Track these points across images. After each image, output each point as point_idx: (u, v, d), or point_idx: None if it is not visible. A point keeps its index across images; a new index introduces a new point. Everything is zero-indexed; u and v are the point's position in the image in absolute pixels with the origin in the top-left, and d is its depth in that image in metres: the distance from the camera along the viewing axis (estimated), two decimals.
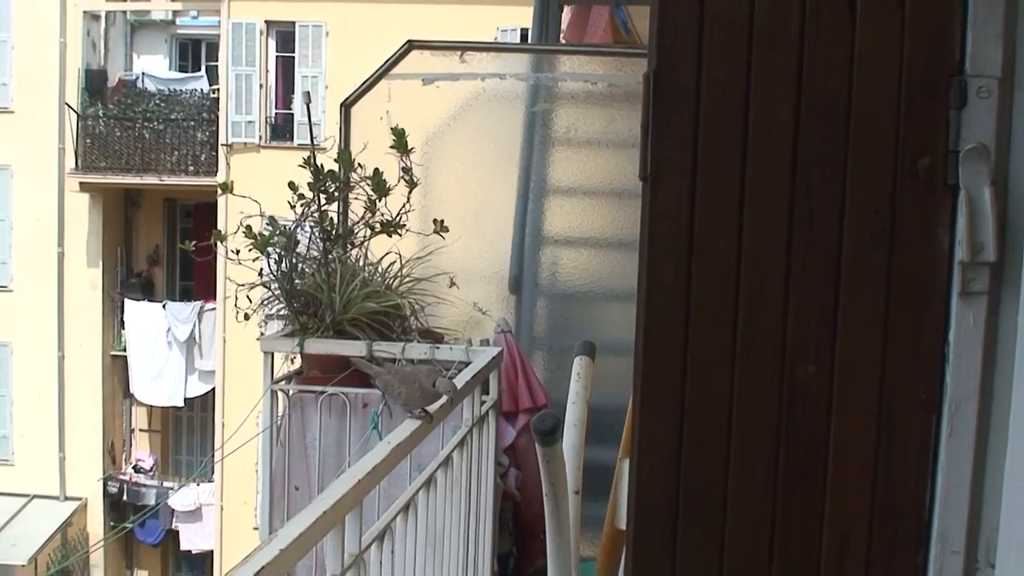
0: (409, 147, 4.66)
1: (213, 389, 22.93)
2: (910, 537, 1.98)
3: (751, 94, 1.95)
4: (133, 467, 24.36)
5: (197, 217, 23.85)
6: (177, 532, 23.68)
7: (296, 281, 4.62)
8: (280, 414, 4.56)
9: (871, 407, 1.97)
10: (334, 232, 4.74)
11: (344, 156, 4.75)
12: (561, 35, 8.10)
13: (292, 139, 22.04)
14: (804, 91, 1.94)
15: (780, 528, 2.00)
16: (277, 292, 4.66)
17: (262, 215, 4.60)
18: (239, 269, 4.63)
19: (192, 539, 23.50)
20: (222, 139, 22.38)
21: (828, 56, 1.94)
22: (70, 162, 22.82)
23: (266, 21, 22.43)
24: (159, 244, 24.57)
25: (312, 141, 4.90)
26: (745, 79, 1.95)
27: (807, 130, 1.94)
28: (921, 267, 1.94)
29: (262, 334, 4.78)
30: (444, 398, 3.25)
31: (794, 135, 1.94)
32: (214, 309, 22.43)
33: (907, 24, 1.92)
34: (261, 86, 22.49)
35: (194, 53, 25.56)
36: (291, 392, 4.53)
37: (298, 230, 4.68)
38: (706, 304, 1.98)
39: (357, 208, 4.80)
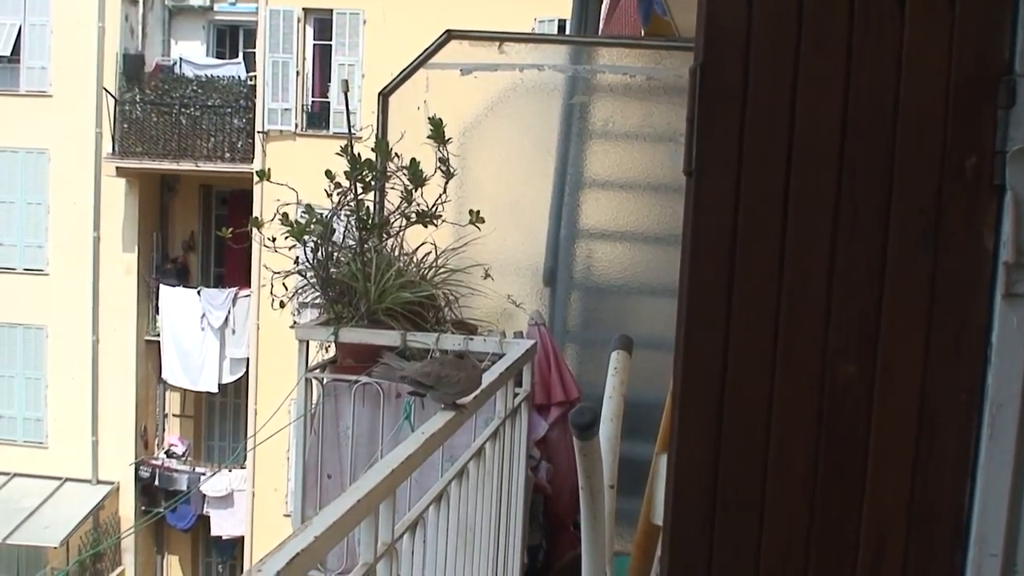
0: (446, 137, 4.66)
1: (246, 375, 23.05)
2: (948, 539, 1.97)
3: (798, 91, 1.94)
4: (165, 452, 24.50)
5: (232, 204, 23.97)
6: (208, 517, 23.79)
7: (331, 270, 4.63)
8: (314, 402, 4.58)
9: (911, 408, 1.95)
10: (370, 221, 4.74)
11: (381, 145, 4.75)
12: (601, 24, 8.07)
13: (328, 127, 22.11)
14: (851, 89, 1.92)
15: (817, 527, 1.99)
16: (312, 280, 4.67)
17: (298, 203, 4.62)
18: (274, 257, 4.65)
19: (223, 525, 23.63)
20: (258, 126, 22.46)
21: (876, 54, 1.92)
22: (107, 147, 22.97)
23: (304, 8, 22.49)
24: (194, 230, 24.68)
25: (349, 129, 4.90)
26: (792, 76, 1.93)
27: (854, 128, 1.92)
28: (965, 267, 1.92)
29: (296, 322, 4.79)
30: (479, 389, 3.25)
31: (840, 133, 1.92)
32: (248, 296, 22.54)
33: (956, 23, 1.90)
34: (298, 73, 22.56)
35: (231, 39, 25.61)
36: (325, 380, 4.55)
37: (334, 219, 4.69)
38: (748, 301, 1.97)
39: (393, 198, 4.81)
